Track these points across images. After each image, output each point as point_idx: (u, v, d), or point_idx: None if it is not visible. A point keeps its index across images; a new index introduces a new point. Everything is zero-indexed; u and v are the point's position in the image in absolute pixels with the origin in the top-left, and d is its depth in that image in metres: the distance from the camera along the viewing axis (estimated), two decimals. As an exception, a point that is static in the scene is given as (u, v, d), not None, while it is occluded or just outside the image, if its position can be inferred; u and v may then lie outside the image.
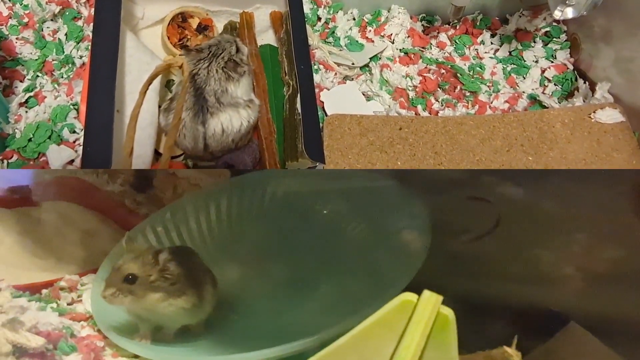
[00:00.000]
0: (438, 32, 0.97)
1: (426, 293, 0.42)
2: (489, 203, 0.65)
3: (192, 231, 0.73)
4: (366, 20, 0.96)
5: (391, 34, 0.95)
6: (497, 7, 0.98)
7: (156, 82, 0.76)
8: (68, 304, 0.65)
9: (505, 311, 0.60)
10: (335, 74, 0.90)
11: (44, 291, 0.66)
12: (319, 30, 0.93)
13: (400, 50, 0.94)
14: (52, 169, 0.79)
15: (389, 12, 0.97)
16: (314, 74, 0.87)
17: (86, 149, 0.66)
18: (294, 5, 0.83)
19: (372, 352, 0.43)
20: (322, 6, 0.94)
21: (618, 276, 0.61)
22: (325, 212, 0.71)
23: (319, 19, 0.94)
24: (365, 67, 0.92)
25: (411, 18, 0.97)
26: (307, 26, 0.89)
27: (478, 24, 0.98)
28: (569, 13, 0.74)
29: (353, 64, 0.90)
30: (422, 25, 0.98)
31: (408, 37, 0.95)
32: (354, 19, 0.96)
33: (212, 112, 0.73)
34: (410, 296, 0.42)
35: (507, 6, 0.98)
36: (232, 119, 0.73)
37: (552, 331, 0.58)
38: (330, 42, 0.93)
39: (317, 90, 0.86)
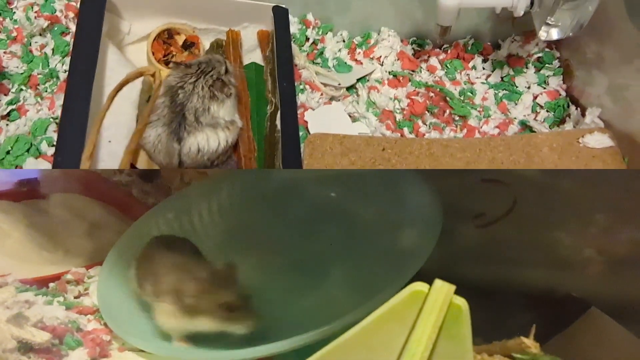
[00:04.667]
0: (429, 56, 0.96)
1: (438, 282, 0.40)
2: (504, 185, 0.62)
3: (202, 218, 0.71)
4: (356, 42, 0.96)
5: (380, 57, 0.94)
6: (489, 32, 0.97)
7: (135, 96, 0.76)
8: (75, 297, 0.65)
9: (523, 298, 0.59)
10: (322, 94, 0.89)
11: (51, 285, 0.66)
12: (306, 51, 0.93)
13: (389, 72, 0.93)
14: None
15: (378, 34, 0.96)
16: (300, 94, 0.87)
17: (57, 158, 0.66)
18: (280, 24, 0.83)
19: (382, 344, 0.42)
20: (311, 27, 0.93)
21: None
22: (333, 194, 0.70)
23: (307, 39, 0.93)
24: (352, 89, 0.91)
25: (401, 41, 0.96)
26: (294, 46, 0.89)
27: (470, 48, 0.97)
28: (554, 34, 0.73)
29: (339, 84, 0.89)
30: (413, 48, 0.97)
31: (397, 60, 0.94)
32: (344, 41, 0.96)
33: (189, 130, 0.71)
34: (421, 286, 0.40)
35: (499, 31, 0.97)
36: (209, 139, 0.72)
37: (572, 317, 0.56)
38: (319, 63, 0.92)
39: (302, 109, 0.85)
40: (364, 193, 0.68)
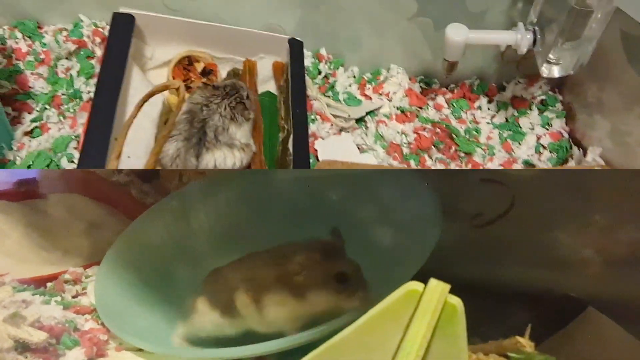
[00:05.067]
0: (436, 94, 1.00)
1: (432, 282, 0.41)
2: (502, 185, 0.61)
3: (201, 218, 0.72)
4: (366, 78, 1.00)
5: (389, 92, 0.98)
6: (495, 73, 1.01)
7: (155, 115, 0.79)
8: (73, 297, 0.66)
9: (520, 297, 0.59)
10: (332, 125, 0.92)
11: (49, 284, 0.67)
12: (318, 84, 0.97)
13: (397, 108, 0.97)
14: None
15: (388, 71, 1.00)
16: (311, 124, 0.90)
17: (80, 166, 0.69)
18: (295, 55, 0.87)
19: (377, 343, 0.42)
20: (324, 61, 0.98)
21: (638, 259, 0.58)
22: (333, 195, 0.70)
23: (320, 72, 0.97)
24: (361, 121, 0.94)
25: (410, 79, 1.00)
26: (307, 78, 0.92)
27: (475, 89, 1.01)
28: (555, 72, 0.76)
29: (349, 116, 0.93)
30: (420, 86, 1.01)
31: (405, 96, 0.98)
32: (354, 76, 1.00)
33: (208, 147, 0.74)
34: (416, 285, 0.41)
35: (504, 73, 1.01)
36: (226, 158, 0.75)
37: (569, 317, 0.56)
38: (330, 96, 0.96)
39: (312, 138, 0.88)
40: (364, 193, 0.68)
